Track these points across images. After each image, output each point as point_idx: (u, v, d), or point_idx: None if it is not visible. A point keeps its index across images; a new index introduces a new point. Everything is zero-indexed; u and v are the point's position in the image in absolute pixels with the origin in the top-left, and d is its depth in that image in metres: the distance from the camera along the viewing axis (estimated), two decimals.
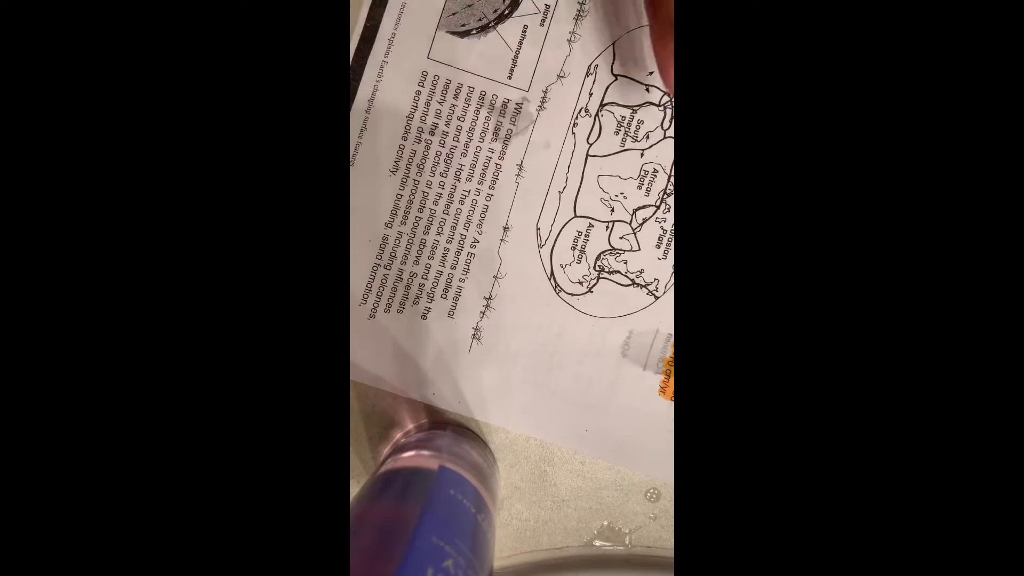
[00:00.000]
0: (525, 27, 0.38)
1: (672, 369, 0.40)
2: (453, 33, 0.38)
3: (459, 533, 0.27)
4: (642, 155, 0.39)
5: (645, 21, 0.37)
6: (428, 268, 0.40)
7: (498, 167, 0.39)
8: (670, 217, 0.39)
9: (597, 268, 0.40)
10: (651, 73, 0.38)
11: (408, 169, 0.39)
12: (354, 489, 0.41)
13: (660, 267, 0.40)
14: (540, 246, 0.40)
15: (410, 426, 0.41)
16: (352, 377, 0.40)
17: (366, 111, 0.39)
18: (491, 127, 0.39)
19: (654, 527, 0.41)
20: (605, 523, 0.42)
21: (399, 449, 0.37)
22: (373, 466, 0.41)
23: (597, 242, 0.40)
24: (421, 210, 0.39)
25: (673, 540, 0.41)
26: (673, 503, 0.41)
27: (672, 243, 0.40)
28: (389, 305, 0.40)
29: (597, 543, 0.42)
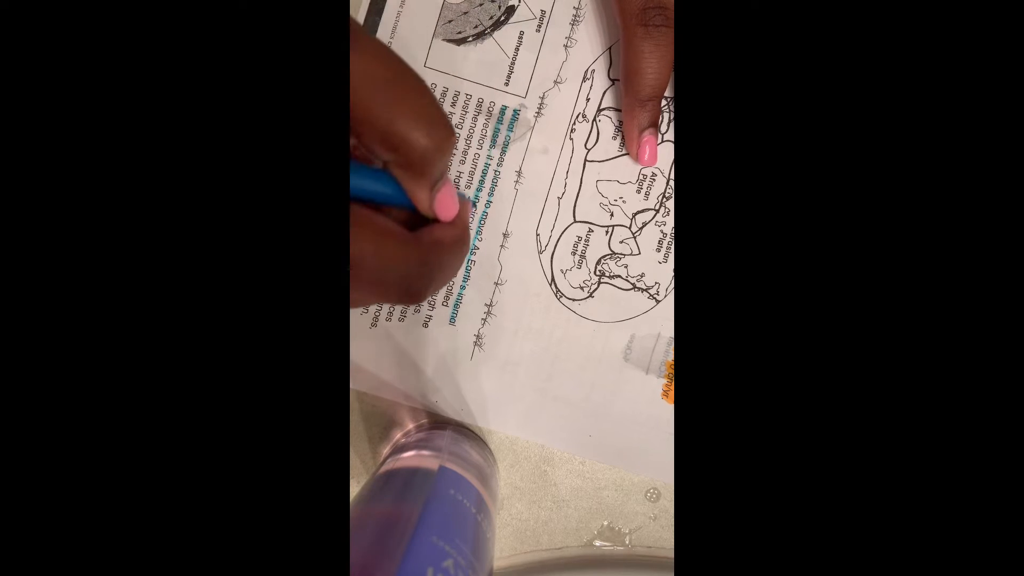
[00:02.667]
0: (521, 33, 0.38)
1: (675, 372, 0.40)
2: (450, 41, 0.38)
3: (459, 533, 0.27)
4: None
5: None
6: None
7: (496, 174, 0.39)
8: (669, 220, 0.39)
9: (597, 273, 0.40)
10: None
11: None
12: (354, 489, 0.41)
13: (661, 271, 0.40)
14: (540, 252, 0.40)
15: (410, 426, 0.41)
16: (356, 386, 0.40)
17: None
18: (489, 134, 0.39)
19: (654, 527, 0.41)
20: (605, 523, 0.42)
21: (399, 449, 0.37)
22: (373, 466, 0.41)
23: (597, 247, 0.40)
24: None
25: (673, 540, 0.41)
26: (673, 503, 0.41)
27: (672, 246, 0.40)
28: (391, 313, 0.40)
29: (597, 543, 0.42)
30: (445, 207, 0.29)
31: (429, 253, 0.27)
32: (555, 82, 0.39)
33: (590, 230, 0.40)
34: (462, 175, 0.39)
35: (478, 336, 0.40)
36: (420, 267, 0.27)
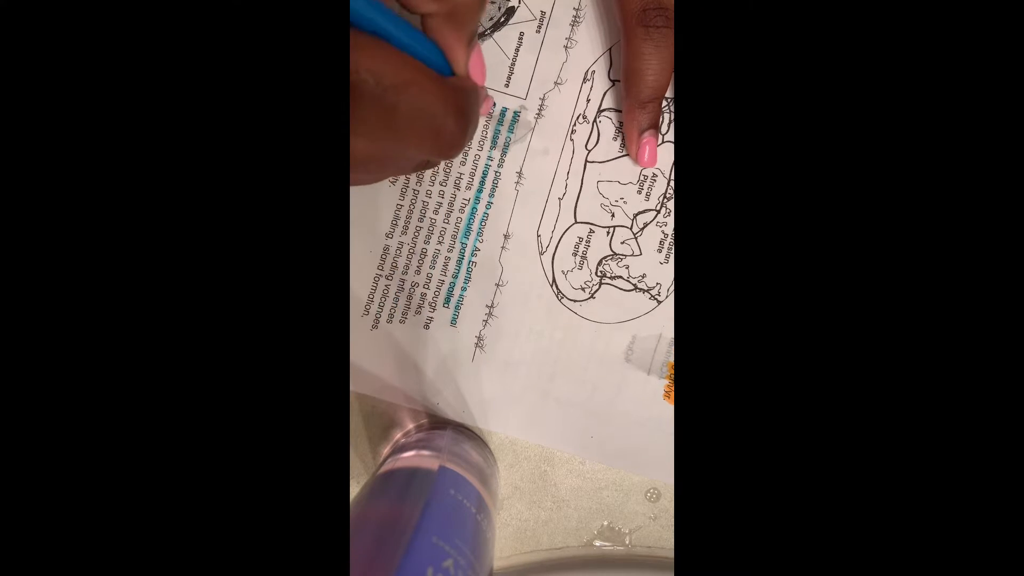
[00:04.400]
0: (521, 34, 0.38)
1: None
2: None
3: (459, 533, 0.27)
4: None
5: None
6: (430, 277, 0.40)
7: (497, 175, 0.39)
8: (671, 221, 0.39)
9: (599, 274, 0.40)
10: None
11: (407, 179, 0.39)
12: (354, 489, 0.41)
13: (662, 271, 0.40)
14: (541, 253, 0.40)
15: (410, 426, 0.41)
16: (357, 388, 0.40)
17: None
18: (489, 135, 0.39)
19: (654, 527, 0.41)
20: (605, 523, 0.42)
21: (399, 449, 0.37)
22: (373, 466, 0.41)
23: (598, 248, 0.40)
24: (421, 220, 0.39)
25: (673, 540, 0.41)
26: (673, 503, 0.41)
27: (674, 247, 0.40)
28: (392, 315, 0.40)
29: (597, 543, 0.42)
30: (478, 67, 0.30)
31: (458, 97, 0.28)
32: (555, 83, 0.39)
33: (591, 231, 0.40)
34: (463, 176, 0.39)
35: (479, 337, 0.40)
36: (456, 109, 0.27)
